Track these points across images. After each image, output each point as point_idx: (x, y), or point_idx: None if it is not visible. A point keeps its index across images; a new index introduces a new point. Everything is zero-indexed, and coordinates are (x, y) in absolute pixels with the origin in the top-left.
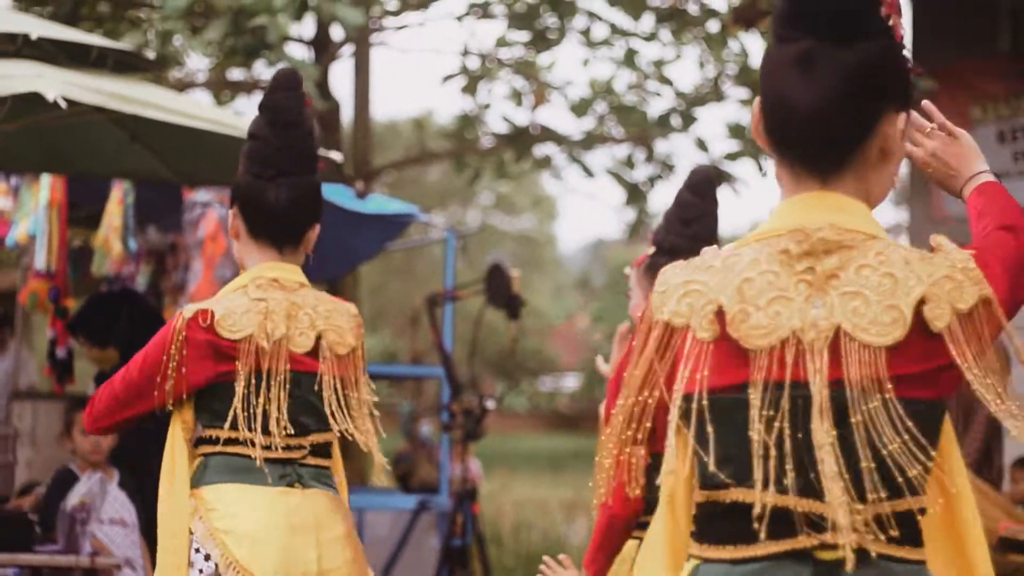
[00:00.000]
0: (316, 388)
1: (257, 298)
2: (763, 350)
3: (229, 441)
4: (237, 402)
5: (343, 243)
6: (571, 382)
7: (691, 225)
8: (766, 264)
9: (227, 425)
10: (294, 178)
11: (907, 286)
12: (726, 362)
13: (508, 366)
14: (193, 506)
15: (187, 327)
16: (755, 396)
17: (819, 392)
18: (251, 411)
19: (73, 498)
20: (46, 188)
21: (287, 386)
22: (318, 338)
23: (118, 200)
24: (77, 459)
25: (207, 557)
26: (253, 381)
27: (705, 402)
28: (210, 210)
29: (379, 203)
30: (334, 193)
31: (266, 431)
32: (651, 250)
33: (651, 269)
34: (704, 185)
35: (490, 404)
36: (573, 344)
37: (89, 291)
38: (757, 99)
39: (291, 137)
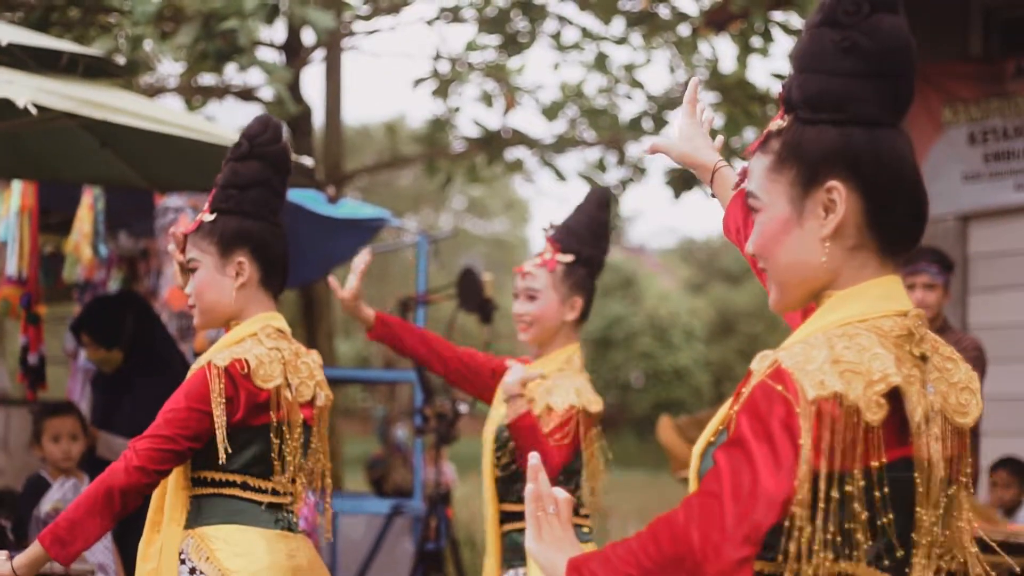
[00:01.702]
0: (308, 438)
1: (272, 347)
2: (919, 428)
3: (224, 483)
4: (273, 452)
5: (316, 248)
6: None
7: (602, 240)
8: (893, 348)
9: (235, 468)
10: (283, 229)
11: (967, 371)
12: (884, 440)
13: None
14: (194, 545)
15: (224, 376)
16: (920, 476)
17: (939, 472)
18: (282, 459)
19: (46, 504)
20: (17, 194)
21: (301, 436)
22: (315, 388)
23: (89, 206)
24: (47, 466)
25: None
26: (282, 430)
27: (875, 480)
28: (182, 215)
29: (351, 208)
30: (306, 198)
31: (268, 477)
32: (564, 257)
33: (571, 276)
34: (607, 203)
35: (463, 408)
36: None
37: (60, 297)
38: (842, 187)
39: (285, 188)
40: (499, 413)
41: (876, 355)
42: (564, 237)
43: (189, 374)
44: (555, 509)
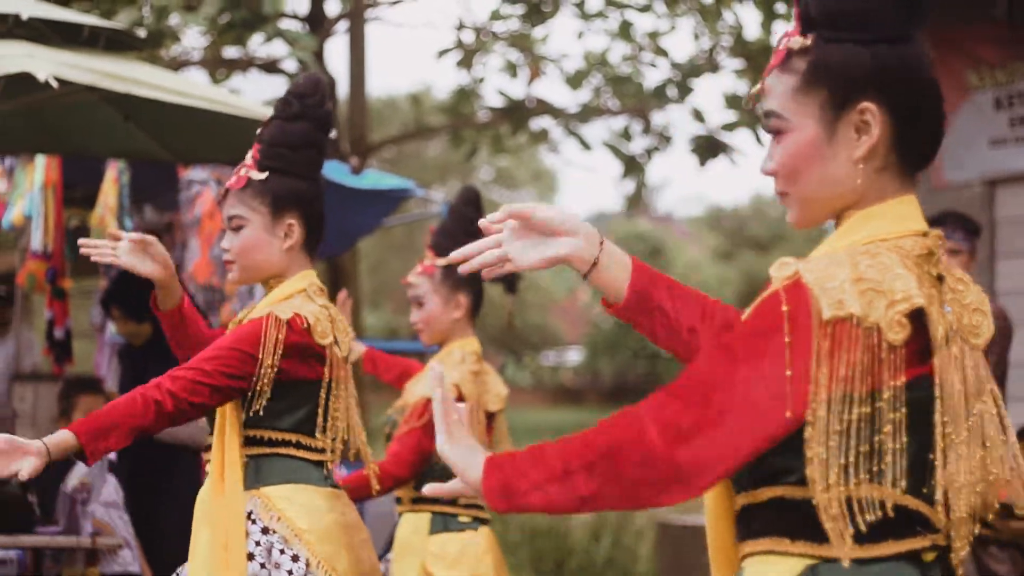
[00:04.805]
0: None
1: (323, 304)
2: (941, 346)
3: (280, 443)
4: (319, 408)
5: (340, 220)
6: (574, 356)
7: (475, 237)
8: (914, 268)
9: (289, 426)
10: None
11: (978, 293)
12: (905, 360)
13: (508, 340)
14: (262, 505)
15: (287, 329)
16: (941, 394)
17: (960, 389)
18: (329, 416)
19: (73, 479)
20: (41, 169)
21: (349, 393)
22: (349, 344)
23: (113, 179)
24: None
25: (295, 558)
26: (330, 387)
27: (897, 399)
28: (206, 188)
29: (374, 179)
30: (329, 170)
31: (314, 435)
32: (440, 260)
33: (449, 277)
34: (477, 200)
35: None
36: (575, 318)
37: (86, 271)
38: (875, 108)
39: (327, 148)
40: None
41: (898, 275)
42: (439, 241)
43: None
44: (459, 417)
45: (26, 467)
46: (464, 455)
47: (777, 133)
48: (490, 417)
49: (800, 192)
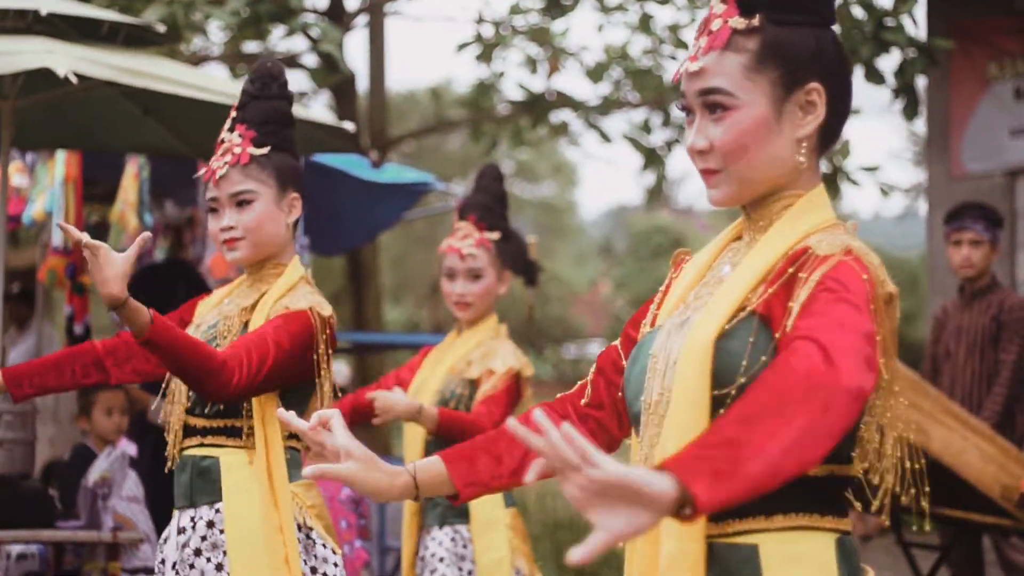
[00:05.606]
0: None
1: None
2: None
3: (293, 436)
4: (327, 397)
5: (360, 213)
6: (596, 349)
7: (507, 213)
8: None
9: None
10: None
11: None
12: None
13: (529, 333)
14: (295, 501)
15: (329, 325)
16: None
17: None
18: (325, 404)
19: (94, 473)
20: (61, 164)
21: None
22: None
23: (133, 175)
24: (91, 437)
25: (334, 551)
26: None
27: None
28: None
29: (395, 173)
30: (349, 163)
31: None
32: (493, 234)
33: (501, 252)
34: (502, 176)
35: None
36: (597, 311)
37: None
38: (822, 88)
39: None
40: (430, 386)
41: None
42: (484, 215)
43: (267, 320)
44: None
45: None
46: (628, 479)
47: (723, 110)
48: None
49: (742, 169)
